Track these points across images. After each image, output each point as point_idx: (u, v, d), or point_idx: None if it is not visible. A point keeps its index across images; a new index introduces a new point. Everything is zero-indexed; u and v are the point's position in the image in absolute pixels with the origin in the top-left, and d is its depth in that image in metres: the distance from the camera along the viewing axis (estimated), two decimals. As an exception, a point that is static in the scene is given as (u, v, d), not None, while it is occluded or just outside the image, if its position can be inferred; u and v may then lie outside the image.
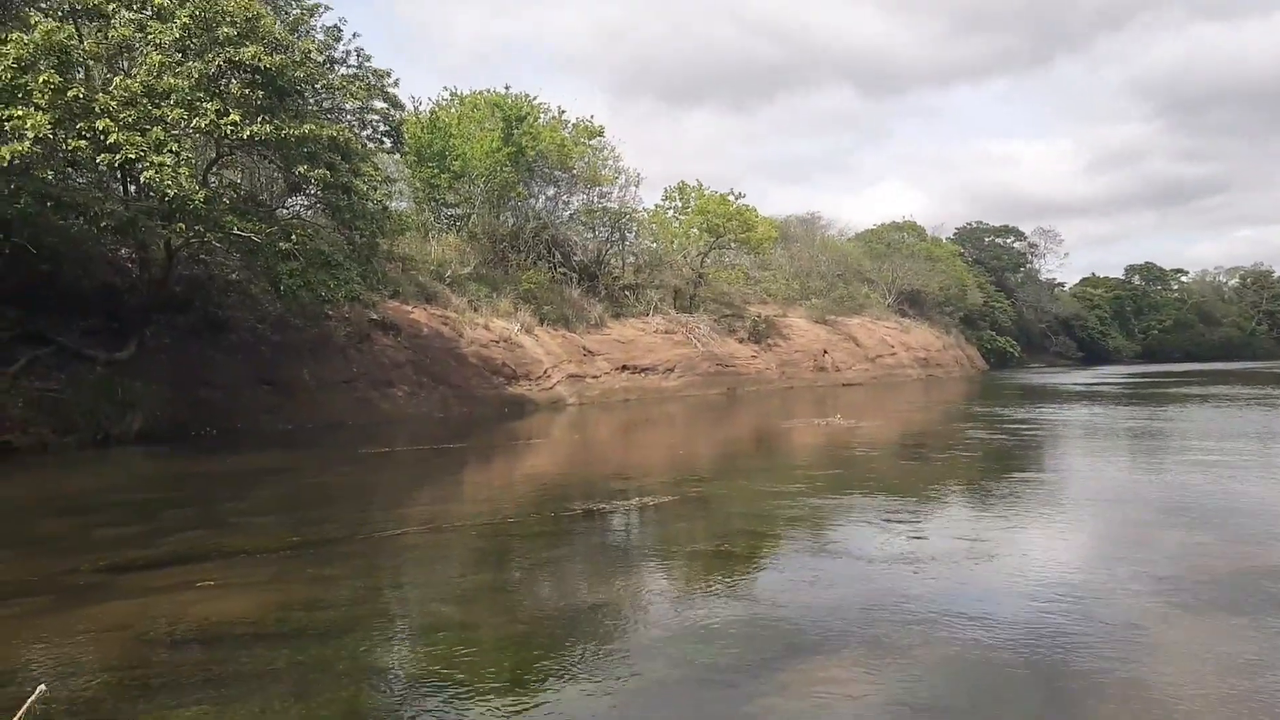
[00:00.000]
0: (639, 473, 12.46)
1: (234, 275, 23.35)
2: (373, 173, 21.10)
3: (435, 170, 32.32)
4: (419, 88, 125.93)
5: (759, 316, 47.36)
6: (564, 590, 6.21)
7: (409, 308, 28.62)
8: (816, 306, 53.63)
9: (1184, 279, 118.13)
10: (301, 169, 15.61)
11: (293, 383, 23.50)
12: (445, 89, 39.69)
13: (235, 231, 16.22)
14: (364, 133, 23.37)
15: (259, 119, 14.69)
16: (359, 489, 11.31)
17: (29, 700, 2.98)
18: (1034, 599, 5.71)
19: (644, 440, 19.14)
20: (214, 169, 20.12)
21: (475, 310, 31.04)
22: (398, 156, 25.65)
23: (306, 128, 14.96)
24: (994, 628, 5.12)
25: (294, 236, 16.07)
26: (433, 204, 33.17)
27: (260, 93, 14.97)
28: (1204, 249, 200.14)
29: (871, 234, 75.84)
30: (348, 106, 22.98)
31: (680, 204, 47.37)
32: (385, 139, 23.54)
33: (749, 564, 6.88)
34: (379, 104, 22.96)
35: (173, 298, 21.63)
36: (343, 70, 22.49)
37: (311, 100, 21.73)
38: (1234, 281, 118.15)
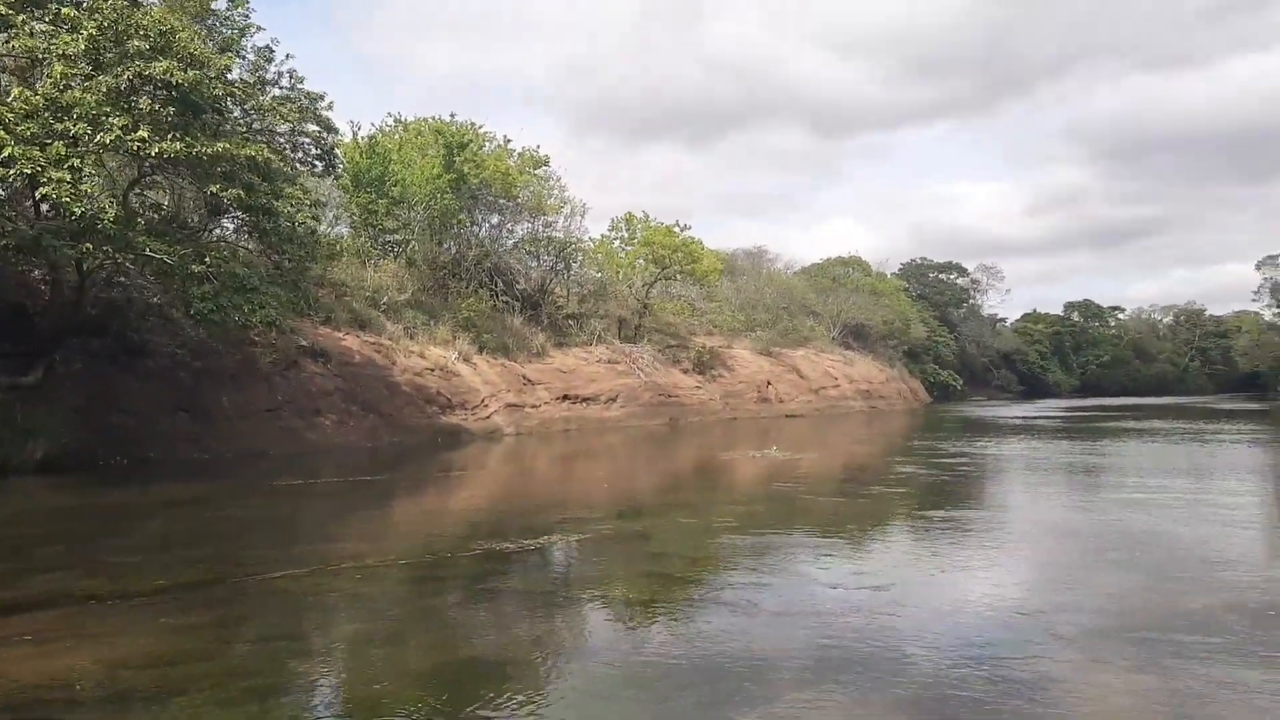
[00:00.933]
0: (559, 508, 11.97)
1: (154, 299, 22.46)
2: (300, 195, 20.47)
3: (373, 196, 31.68)
4: (378, 119, 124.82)
5: (704, 347, 47.24)
6: (443, 643, 5.72)
7: (341, 334, 27.86)
8: (761, 338, 53.72)
9: (1121, 316, 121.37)
10: (214, 188, 14.96)
11: (212, 410, 22.60)
12: (389, 115, 38.91)
13: (148, 253, 15.48)
14: (295, 155, 22.79)
15: (169, 136, 14.04)
16: (258, 525, 10.67)
17: None
18: (940, 650, 5.37)
19: (576, 473, 18.65)
20: (136, 189, 19.37)
21: (411, 338, 30.36)
22: (331, 180, 24.93)
23: (220, 146, 14.34)
24: (889, 686, 4.75)
25: (208, 259, 15.37)
26: (370, 230, 32.46)
27: (172, 109, 14.33)
28: (1141, 288, 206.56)
29: (817, 268, 76.55)
30: (281, 129, 22.39)
31: (626, 234, 47.27)
32: (317, 162, 22.90)
33: (648, 614, 6.46)
34: (311, 127, 22.34)
35: (87, 321, 20.67)
36: (274, 92, 21.91)
37: (241, 121, 21.15)
38: (1168, 319, 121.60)
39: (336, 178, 23.79)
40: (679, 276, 47.65)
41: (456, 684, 4.89)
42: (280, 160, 17.96)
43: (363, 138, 33.03)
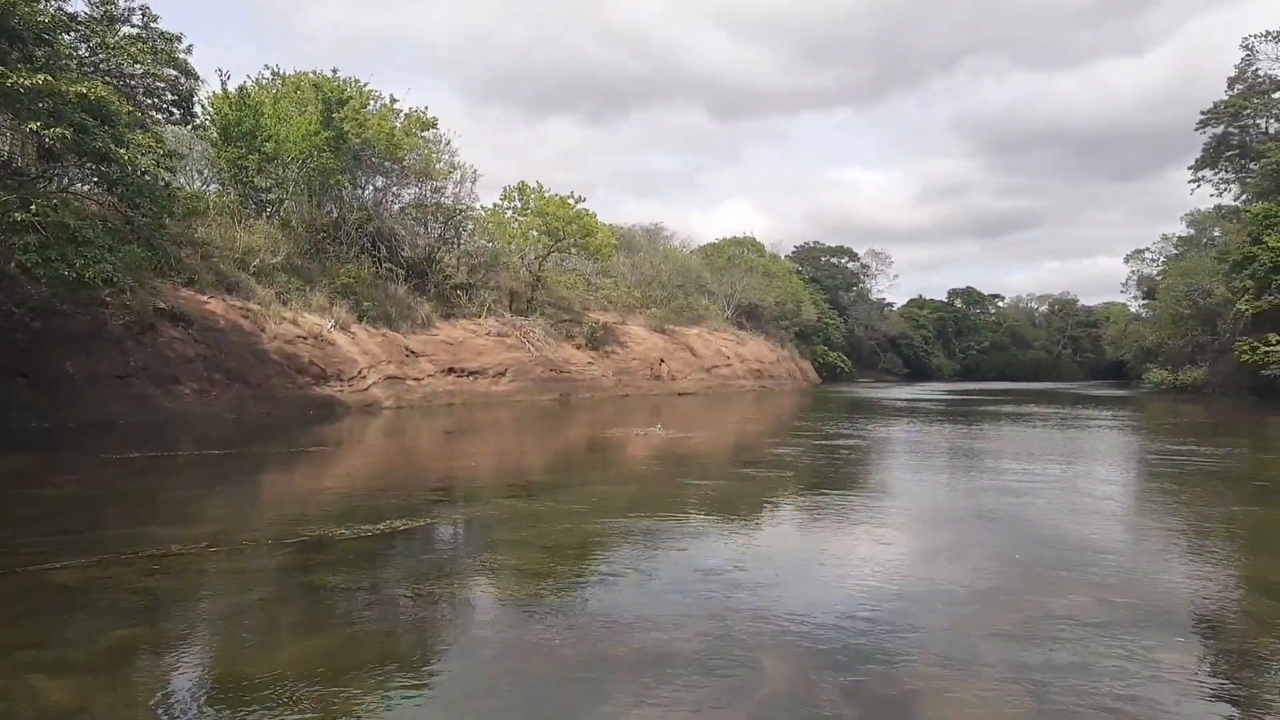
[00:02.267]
0: (411, 488, 11.06)
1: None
2: (150, 143, 18.76)
3: (243, 151, 29.62)
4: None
5: (597, 323, 46.52)
6: (233, 655, 4.85)
7: (205, 298, 25.99)
8: (656, 315, 53.35)
9: (1001, 304, 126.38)
10: (33, 126, 13.33)
11: (55, 376, 20.68)
12: (266, 67, 36.50)
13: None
14: (149, 101, 20.91)
15: (-22, 64, 12.41)
16: (67, 505, 9.42)
17: None
18: (806, 643, 4.82)
19: (445, 449, 17.67)
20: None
21: (284, 304, 28.63)
22: (189, 130, 23.03)
23: (39, 78, 12.73)
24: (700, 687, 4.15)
25: (34, 207, 13.72)
26: (240, 187, 30.38)
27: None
28: (1019, 278, 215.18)
29: (713, 247, 76.70)
30: (134, 71, 20.48)
31: (520, 204, 46.02)
32: (174, 110, 21.07)
33: (464, 613, 5.72)
34: (167, 71, 20.52)
35: (-100, 274, 18.56)
36: (126, 30, 20.01)
37: (87, 59, 19.25)
38: (1044, 308, 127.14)
39: (196, 127, 21.92)
40: (573, 250, 46.75)
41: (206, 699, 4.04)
42: (124, 103, 16.21)
43: (234, 89, 30.78)
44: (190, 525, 8.11)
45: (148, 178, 20.10)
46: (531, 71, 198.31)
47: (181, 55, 20.54)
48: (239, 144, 29.61)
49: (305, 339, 27.58)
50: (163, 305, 24.18)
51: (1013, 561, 7.04)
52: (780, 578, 6.43)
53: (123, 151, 15.25)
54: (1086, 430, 23.27)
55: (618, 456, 16.22)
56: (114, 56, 19.02)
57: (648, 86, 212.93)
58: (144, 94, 20.48)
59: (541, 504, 9.74)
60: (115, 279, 15.31)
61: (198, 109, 30.20)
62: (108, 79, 19.86)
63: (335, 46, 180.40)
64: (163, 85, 20.21)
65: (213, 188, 30.30)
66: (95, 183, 20.23)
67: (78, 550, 6.69)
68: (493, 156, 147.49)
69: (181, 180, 27.28)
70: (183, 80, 20.52)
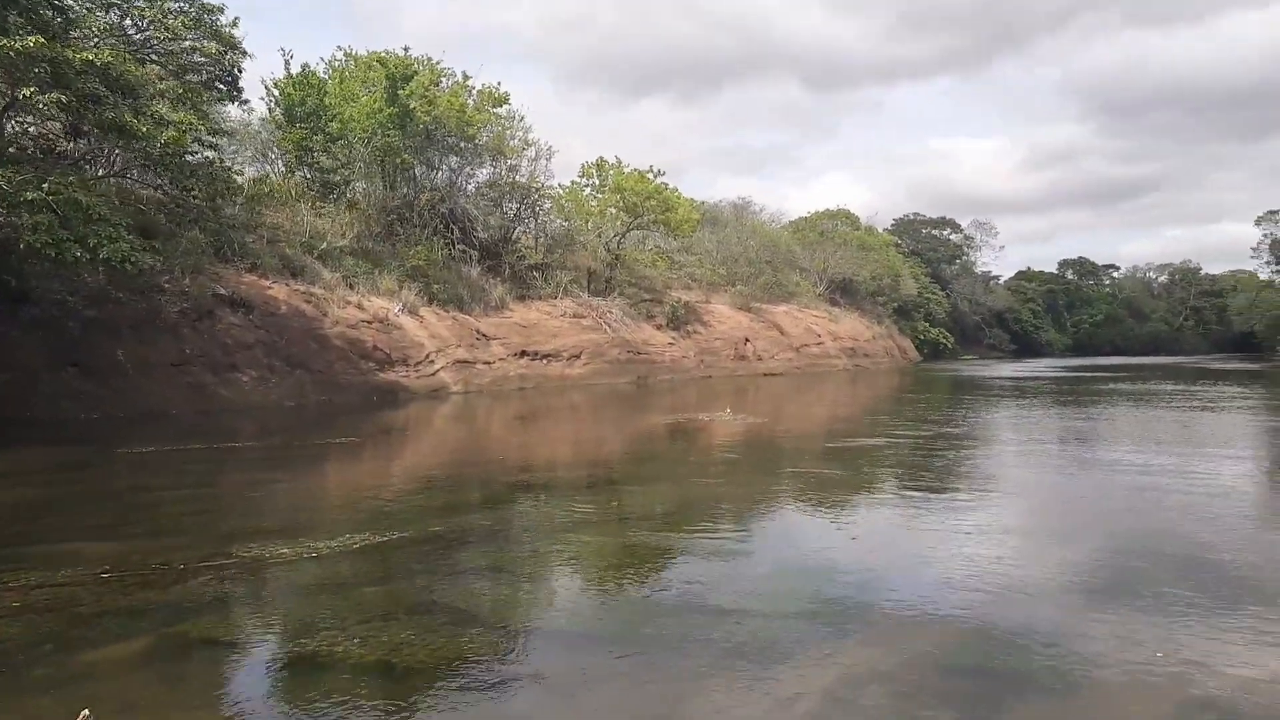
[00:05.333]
0: (405, 494, 9.70)
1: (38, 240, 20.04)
2: (192, 120, 17.97)
3: (307, 131, 28.98)
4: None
5: (679, 302, 44.80)
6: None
7: (268, 283, 25.41)
8: (742, 293, 51.30)
9: (1115, 274, 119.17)
10: (27, 92, 12.46)
11: (106, 365, 20.26)
12: (338, 47, 35.94)
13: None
14: (196, 79, 20.20)
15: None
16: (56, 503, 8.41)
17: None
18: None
19: (484, 441, 16.41)
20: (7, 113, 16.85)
21: (351, 287, 27.91)
22: (239, 109, 22.29)
23: (31, 41, 11.83)
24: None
25: (47, 184, 12.90)
26: (306, 169, 29.80)
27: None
28: (1135, 247, 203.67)
29: (805, 221, 73.92)
30: (184, 45, 19.78)
31: (598, 181, 44.58)
32: (220, 85, 20.31)
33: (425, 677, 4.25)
34: (210, 44, 19.74)
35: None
36: (169, 3, 19.28)
37: (117, 28, 18.57)
38: (1163, 278, 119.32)
39: (244, 103, 21.16)
40: (654, 227, 45.10)
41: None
42: (135, 70, 15.17)
43: (297, 70, 30.18)
44: (126, 540, 6.90)
45: (192, 158, 19.45)
46: (621, 53, 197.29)
47: (226, 28, 19.65)
48: (303, 124, 28.99)
49: (370, 323, 26.79)
50: (223, 291, 23.65)
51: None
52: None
53: (141, 124, 14.28)
54: (1213, 410, 20.48)
55: (674, 448, 14.62)
56: (154, 30, 18.20)
57: (740, 62, 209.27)
58: (189, 71, 19.71)
59: (546, 510, 8.24)
60: (133, 260, 14.39)
61: (261, 90, 29.89)
62: (154, 58, 19.23)
63: (434, 41, 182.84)
64: (205, 60, 19.35)
65: (278, 170, 29.77)
66: (143, 165, 19.71)
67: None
68: (586, 142, 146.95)
69: (238, 162, 26.82)
70: (227, 54, 19.62)
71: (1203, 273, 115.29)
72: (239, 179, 23.94)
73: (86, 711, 2.95)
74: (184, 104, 18.96)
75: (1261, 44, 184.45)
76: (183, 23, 18.62)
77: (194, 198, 20.91)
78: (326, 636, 4.61)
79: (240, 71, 20.36)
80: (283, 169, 29.88)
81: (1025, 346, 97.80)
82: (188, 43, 19.73)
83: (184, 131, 17.80)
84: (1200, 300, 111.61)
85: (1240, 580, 5.66)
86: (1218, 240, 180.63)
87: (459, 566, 6.10)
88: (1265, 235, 75.38)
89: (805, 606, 5.16)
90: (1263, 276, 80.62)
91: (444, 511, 8.04)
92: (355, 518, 7.84)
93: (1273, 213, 73.92)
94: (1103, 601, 5.24)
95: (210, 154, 19.62)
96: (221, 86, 20.17)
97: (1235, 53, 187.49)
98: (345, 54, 34.40)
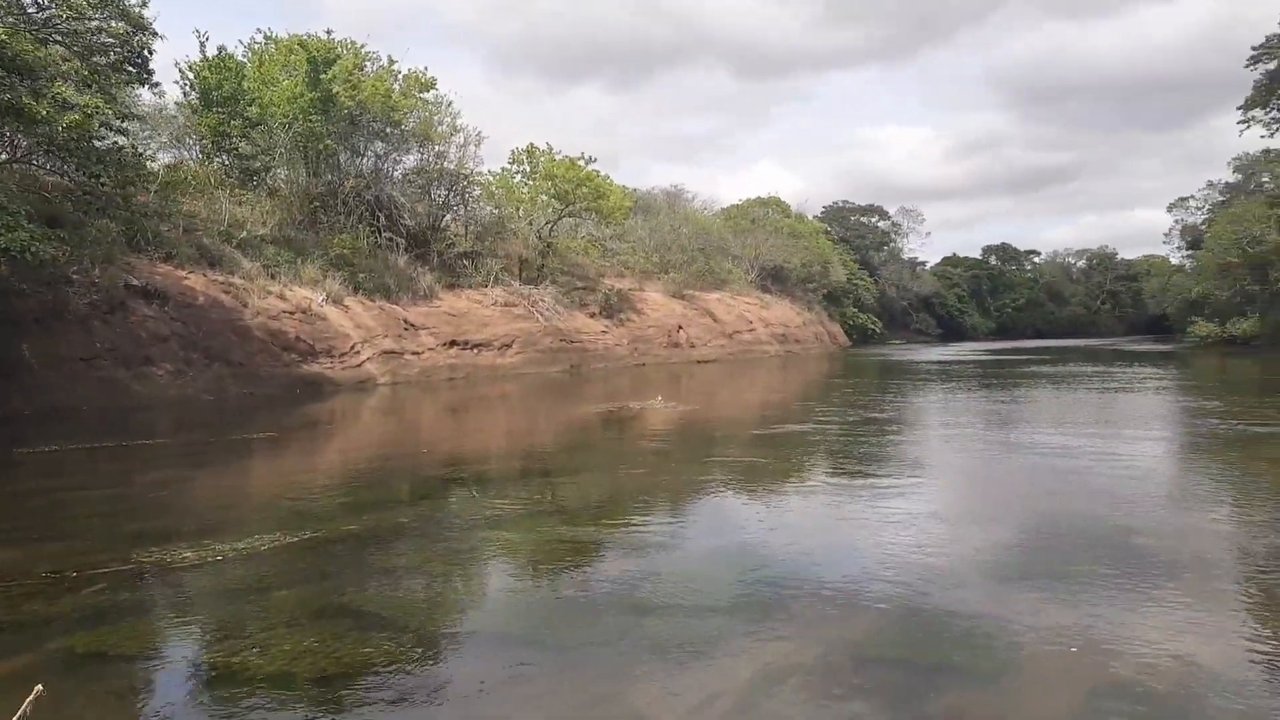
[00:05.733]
0: (323, 491, 9.41)
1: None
2: (98, 104, 17.16)
3: (224, 116, 27.98)
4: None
5: (612, 290, 44.64)
6: None
7: (184, 273, 24.51)
8: (675, 280, 51.36)
9: (1037, 260, 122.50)
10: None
11: (10, 360, 19.30)
12: (258, 30, 34.75)
13: None
14: (103, 61, 19.28)
15: None
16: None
17: (25, 703, 2.82)
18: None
19: (410, 433, 16.08)
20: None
21: (273, 277, 27.09)
22: (149, 91, 21.35)
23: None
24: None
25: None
26: (224, 155, 28.79)
27: None
28: (1055, 233, 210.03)
29: (736, 209, 74.31)
30: (90, 26, 18.84)
31: (528, 168, 44.07)
32: (130, 67, 19.44)
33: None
34: (117, 24, 18.85)
35: None
36: (69, -19, 18.32)
37: (35, 14, 17.69)
38: (1081, 263, 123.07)
39: (155, 87, 20.26)
40: (584, 214, 44.78)
41: None
42: (48, 53, 14.46)
43: (213, 53, 29.07)
44: (17, 546, 6.51)
45: (100, 144, 18.63)
46: (552, 38, 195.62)
47: (135, 8, 18.79)
48: (220, 109, 27.98)
49: (292, 314, 26.07)
50: (136, 282, 22.74)
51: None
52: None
53: (41, 106, 13.53)
54: (1126, 392, 21.14)
55: (602, 438, 14.51)
56: (57, 8, 17.31)
57: (671, 49, 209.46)
58: (96, 52, 18.80)
59: (450, 512, 8.04)
60: (35, 250, 13.67)
61: (175, 74, 28.74)
62: (57, 38, 18.31)
63: (359, 24, 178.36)
64: (113, 40, 18.48)
65: (194, 157, 28.70)
66: (47, 151, 18.80)
67: None
68: (519, 129, 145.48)
69: (152, 148, 25.80)
70: (136, 35, 18.77)
71: (1119, 258, 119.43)
72: (152, 165, 22.98)
73: (40, 688, 2.86)
74: (91, 87, 18.11)
75: (1173, 37, 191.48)
76: (88, 1, 17.74)
77: (103, 185, 20.01)
78: (223, 647, 4.37)
79: (151, 53, 19.47)
80: (200, 155, 28.80)
81: (951, 330, 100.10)
82: (94, 22, 18.79)
83: (90, 115, 16.99)
84: (1116, 284, 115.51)
85: (1160, 564, 5.76)
86: (1133, 226, 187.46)
87: (372, 567, 5.87)
88: (1177, 221, 78.22)
89: (728, 601, 5.08)
90: (1174, 261, 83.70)
91: (362, 509, 7.77)
92: (268, 517, 7.53)
93: (1184, 199, 76.75)
94: (1025, 588, 5.27)
95: (120, 139, 18.75)
96: (131, 69, 19.24)
97: (1148, 45, 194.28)
98: (266, 37, 33.33)
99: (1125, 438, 12.23)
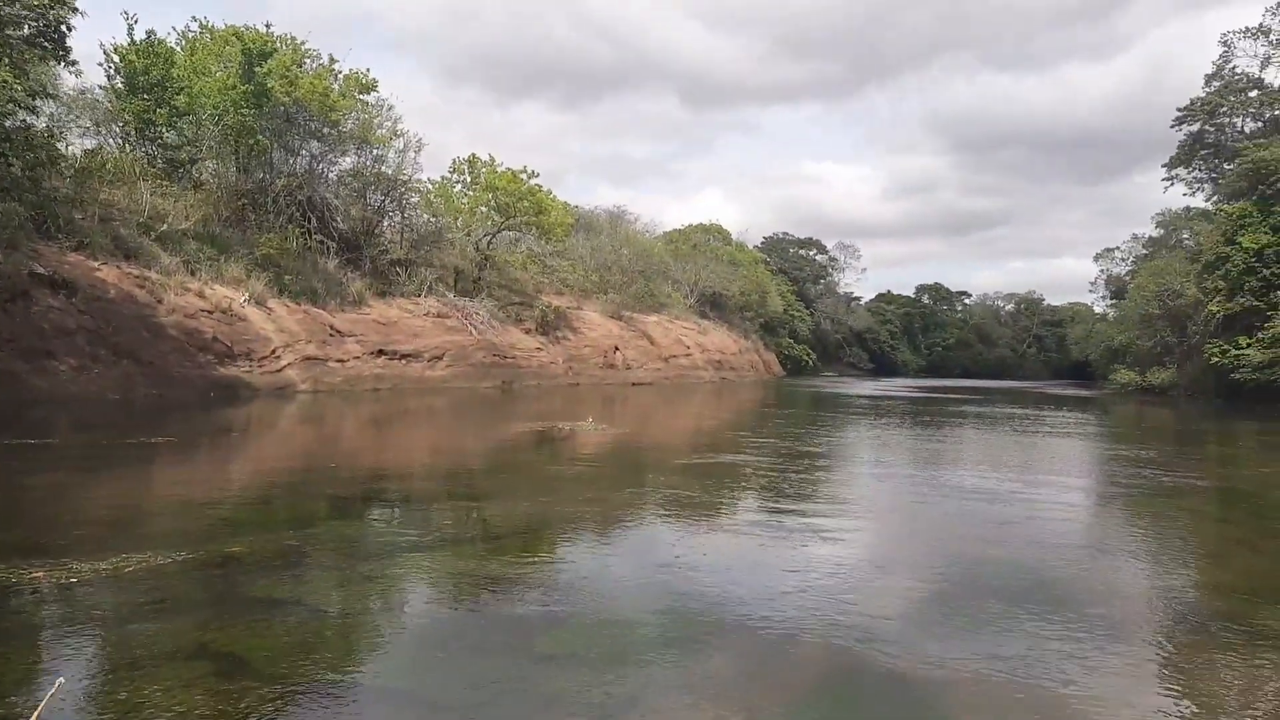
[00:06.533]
0: (212, 505, 8.70)
1: None
2: (6, 78, 16.12)
3: (150, 103, 26.78)
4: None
5: (549, 306, 44.03)
6: None
7: (96, 264, 23.25)
8: (614, 301, 51.00)
9: (967, 301, 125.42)
10: None
11: (-108, 347, 17.99)
12: (193, 18, 33.54)
13: None
14: (15, 34, 18.19)
15: None
16: None
17: (48, 694, 2.97)
18: None
19: (322, 445, 15.30)
20: None
21: (193, 274, 25.91)
22: (65, 69, 20.23)
23: None
24: None
25: None
26: (147, 144, 27.55)
27: None
28: (984, 276, 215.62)
29: (679, 234, 74.47)
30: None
31: (469, 178, 43.37)
32: (45, 42, 18.37)
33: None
34: (34, -4, 17.79)
35: None
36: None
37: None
38: (1010, 307, 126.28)
39: (70, 64, 19.18)
40: (525, 228, 44.19)
41: None
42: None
43: (141, 37, 27.84)
44: None
45: (9, 122, 17.55)
46: (502, 54, 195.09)
47: (52, -20, 17.77)
48: (146, 95, 26.77)
49: (211, 313, 24.93)
50: (41, 270, 21.47)
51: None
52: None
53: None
54: (1052, 436, 21.33)
55: (526, 460, 13.95)
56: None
57: (619, 73, 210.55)
58: (9, 25, 17.70)
59: (367, 529, 7.43)
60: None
61: (100, 56, 27.44)
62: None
63: (306, 20, 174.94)
64: (27, 13, 17.42)
65: (115, 144, 27.39)
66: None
67: None
68: (465, 140, 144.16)
69: (74, 132, 24.53)
70: (51, 8, 17.73)
71: (1045, 304, 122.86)
72: (62, 148, 21.77)
73: (61, 680, 3.05)
74: (1, 61, 17.06)
75: (1101, 95, 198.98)
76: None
77: (10, 166, 18.88)
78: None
79: (69, 29, 18.43)
80: (121, 142, 27.51)
81: (882, 365, 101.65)
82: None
83: (14, 97, 15.97)
84: (1042, 329, 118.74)
85: (1089, 614, 5.47)
86: (1058, 273, 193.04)
87: (247, 597, 5.24)
88: (1102, 271, 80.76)
89: (638, 653, 4.60)
90: (1098, 310, 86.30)
91: (250, 528, 7.11)
92: (142, 533, 6.82)
93: (1109, 250, 79.33)
94: (949, 639, 4.91)
95: (30, 118, 17.67)
96: (46, 45, 18.17)
97: (1077, 100, 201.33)
98: (201, 25, 32.16)
99: (1051, 484, 12.13)
